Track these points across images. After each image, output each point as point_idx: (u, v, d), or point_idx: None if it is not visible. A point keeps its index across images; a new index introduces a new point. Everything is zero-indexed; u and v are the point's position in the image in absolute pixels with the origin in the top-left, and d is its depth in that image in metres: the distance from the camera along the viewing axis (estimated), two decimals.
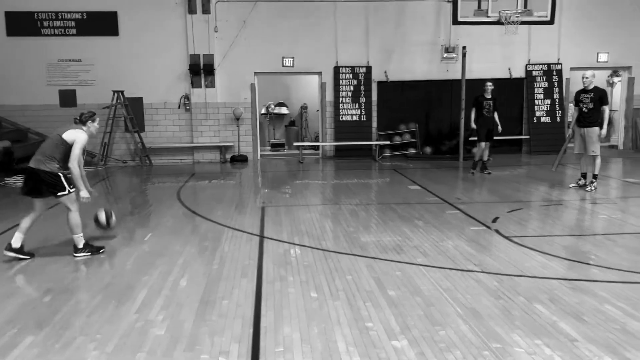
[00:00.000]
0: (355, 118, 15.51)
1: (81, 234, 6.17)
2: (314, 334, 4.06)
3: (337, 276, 5.33)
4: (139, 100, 14.88)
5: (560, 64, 15.78)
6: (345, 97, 15.47)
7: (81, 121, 6.19)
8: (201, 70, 14.74)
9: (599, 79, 15.33)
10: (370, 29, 15.24)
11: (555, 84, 15.79)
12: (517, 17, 12.23)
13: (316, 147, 16.44)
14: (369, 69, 15.42)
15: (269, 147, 17.68)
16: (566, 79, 15.88)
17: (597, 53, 15.83)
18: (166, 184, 11.62)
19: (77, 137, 5.95)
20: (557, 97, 15.78)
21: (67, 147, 5.95)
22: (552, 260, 5.77)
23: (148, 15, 14.60)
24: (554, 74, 15.79)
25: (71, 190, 6.04)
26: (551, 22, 12.78)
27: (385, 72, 15.41)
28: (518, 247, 6.29)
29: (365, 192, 10.29)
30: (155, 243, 6.71)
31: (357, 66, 15.39)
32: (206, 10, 14.62)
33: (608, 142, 16.44)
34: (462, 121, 13.76)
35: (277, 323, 4.27)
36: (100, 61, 14.69)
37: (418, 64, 15.46)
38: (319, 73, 15.57)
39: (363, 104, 15.49)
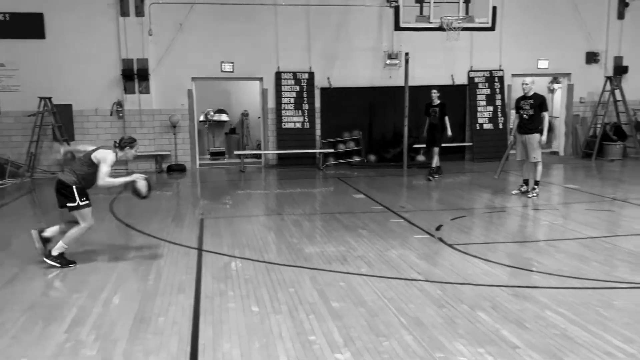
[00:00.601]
0: (298, 125, 15.58)
1: (67, 247, 6.18)
2: (254, 350, 4.06)
3: (280, 289, 5.35)
4: (68, 107, 14.49)
5: (502, 70, 16.33)
6: (287, 103, 15.53)
7: (120, 146, 6.34)
8: (135, 75, 14.50)
9: (540, 86, 15.97)
10: (312, 34, 15.37)
11: (497, 90, 16.32)
12: (458, 23, 12.56)
13: (258, 156, 16.41)
14: (311, 75, 15.54)
15: (209, 156, 17.50)
16: (508, 85, 16.44)
17: (538, 60, 16.47)
18: (98, 195, 11.26)
19: (105, 157, 6.08)
20: (499, 104, 16.31)
21: (92, 166, 6.12)
22: (494, 267, 5.96)
23: (77, 17, 14.24)
24: (496, 80, 16.32)
25: (81, 204, 6.09)
26: (492, 28, 13.17)
27: (328, 79, 15.56)
28: (461, 254, 6.47)
29: (309, 202, 10.34)
30: (86, 258, 6.54)
31: (299, 72, 15.49)
32: (140, 12, 14.41)
33: (549, 148, 17.10)
34: (406, 128, 14.05)
35: (216, 339, 4.24)
36: (25, 66, 14.22)
37: (361, 70, 15.68)
38: (260, 79, 15.59)
39: (306, 111, 15.58)
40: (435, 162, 12.61)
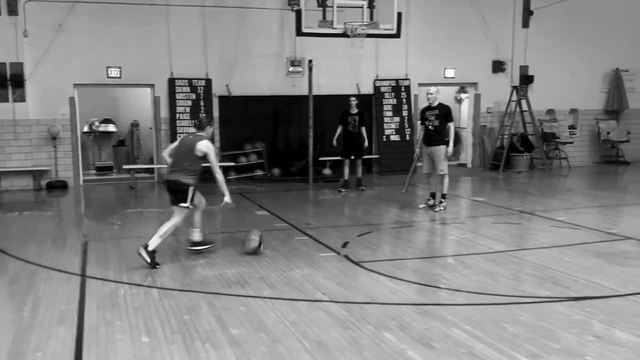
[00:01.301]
0: None
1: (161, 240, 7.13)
2: None
3: (173, 317, 5.30)
4: None
5: (408, 79, 16.90)
6: (182, 112, 15.33)
7: (200, 126, 7.29)
8: (8, 81, 13.83)
9: (447, 96, 16.65)
10: (208, 38, 15.27)
11: (404, 100, 16.84)
12: (362, 29, 12.88)
13: (150, 171, 16.07)
14: (208, 81, 15.44)
15: (94, 171, 16.99)
16: (414, 95, 17.01)
17: (445, 69, 17.16)
18: None
19: (210, 148, 7.14)
20: (406, 115, 16.83)
21: (199, 159, 7.20)
22: (401, 285, 6.19)
23: None
24: (402, 90, 16.85)
25: (190, 206, 7.15)
26: (397, 35, 13.58)
27: (227, 86, 15.50)
28: (368, 272, 6.66)
29: (208, 220, 10.23)
30: None
31: (195, 78, 15.34)
32: (13, 10, 13.78)
33: (457, 160, 17.84)
34: (311, 140, 14.24)
35: None
36: None
37: (263, 77, 15.71)
38: (152, 85, 15.31)
39: None
40: (359, 172, 12.98)
